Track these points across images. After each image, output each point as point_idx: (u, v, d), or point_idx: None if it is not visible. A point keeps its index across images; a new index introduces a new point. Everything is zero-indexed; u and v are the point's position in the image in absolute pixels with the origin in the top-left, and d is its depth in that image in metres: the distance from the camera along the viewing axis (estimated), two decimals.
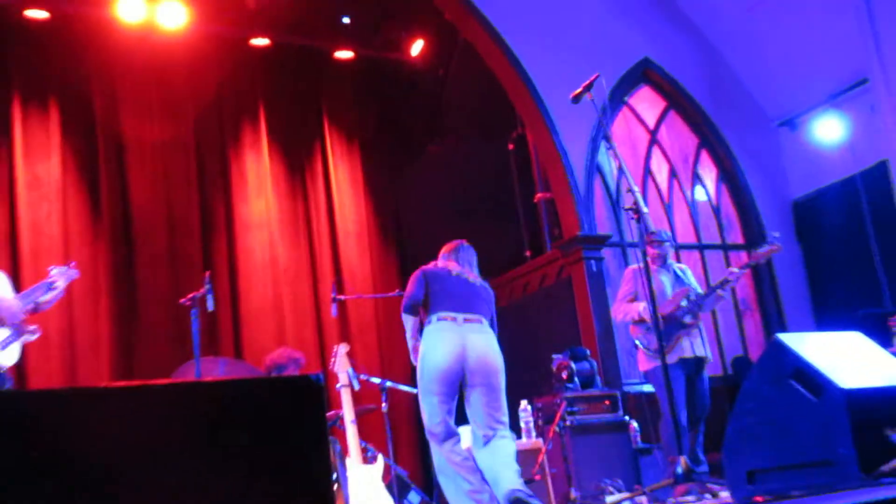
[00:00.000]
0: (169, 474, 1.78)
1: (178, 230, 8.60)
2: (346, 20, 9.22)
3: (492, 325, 5.22)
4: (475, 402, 5.02)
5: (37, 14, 8.06)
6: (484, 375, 5.01)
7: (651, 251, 6.30)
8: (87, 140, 8.47)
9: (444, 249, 5.56)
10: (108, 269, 8.16)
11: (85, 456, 1.73)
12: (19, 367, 7.43)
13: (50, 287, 5.17)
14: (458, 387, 5.04)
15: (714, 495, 4.77)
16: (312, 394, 1.83)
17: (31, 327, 5.07)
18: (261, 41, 9.12)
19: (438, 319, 5.06)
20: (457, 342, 5.00)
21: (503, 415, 5.05)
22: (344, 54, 9.53)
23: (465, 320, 5.07)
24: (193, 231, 8.65)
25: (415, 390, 6.60)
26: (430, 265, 5.42)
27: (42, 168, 8.11)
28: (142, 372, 7.89)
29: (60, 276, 5.28)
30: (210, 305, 5.88)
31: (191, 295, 5.94)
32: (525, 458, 6.34)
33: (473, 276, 5.41)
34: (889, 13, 8.13)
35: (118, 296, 8.17)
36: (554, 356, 7.40)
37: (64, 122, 8.34)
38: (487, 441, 4.96)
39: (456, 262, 5.44)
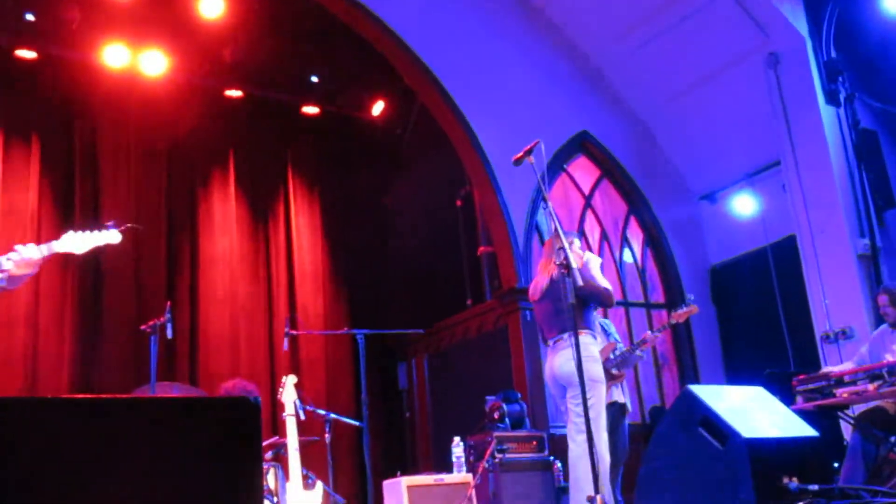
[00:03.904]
0: (111, 481, 1.73)
1: (145, 261, 8.44)
2: (314, 79, 9.24)
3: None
4: None
5: (26, 54, 7.96)
6: None
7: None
8: (65, 174, 8.33)
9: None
10: (75, 294, 7.97)
11: (36, 460, 1.69)
12: None
13: None
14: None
15: None
16: (249, 413, 1.79)
17: None
18: (234, 93, 9.07)
19: None
20: None
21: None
22: (310, 110, 9.53)
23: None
24: (159, 263, 8.51)
25: (357, 423, 6.51)
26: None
27: (20, 197, 7.94)
28: (100, 391, 7.68)
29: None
30: (169, 333, 5.76)
31: (151, 322, 5.82)
32: (454, 492, 6.27)
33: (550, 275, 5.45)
34: (799, 105, 8.37)
35: (83, 319, 7.98)
36: (487, 398, 7.36)
37: (44, 156, 8.20)
38: None
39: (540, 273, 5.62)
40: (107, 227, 4.28)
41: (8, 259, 4.01)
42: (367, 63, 9.10)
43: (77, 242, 4.19)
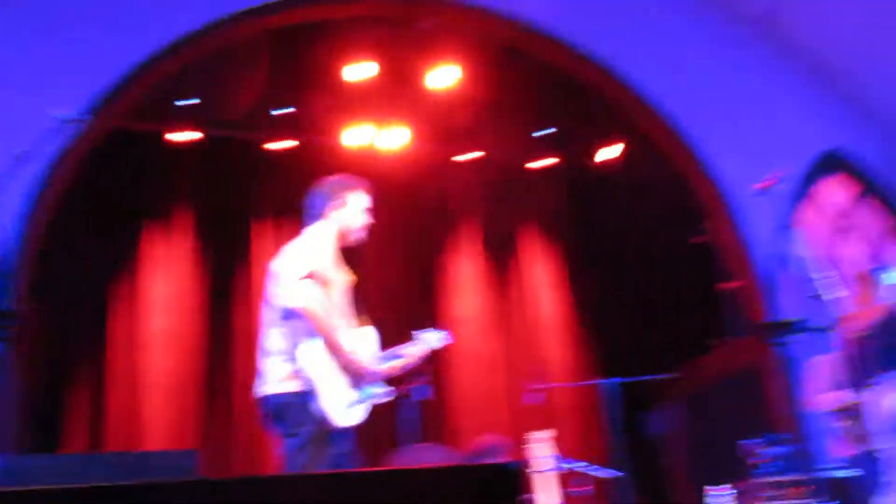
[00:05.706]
0: None
1: (402, 325, 8.80)
2: (540, 134, 9.36)
3: None
4: None
5: (275, 146, 8.73)
6: None
7: None
8: None
9: None
10: None
11: None
12: None
13: (396, 356, 4.76)
14: None
15: None
16: (507, 480, 1.81)
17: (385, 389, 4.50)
18: (469, 155, 9.40)
19: None
20: None
21: None
22: (543, 163, 9.63)
23: None
24: (407, 327, 8.84)
25: (616, 473, 6.38)
26: None
27: None
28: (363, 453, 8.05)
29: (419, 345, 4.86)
30: (428, 394, 5.98)
31: (407, 385, 6.06)
32: None
33: None
34: None
35: None
36: (746, 441, 6.97)
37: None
38: None
39: None
40: (443, 331, 5.08)
41: (409, 349, 4.75)
42: (594, 109, 9.06)
43: (433, 341, 5.01)
